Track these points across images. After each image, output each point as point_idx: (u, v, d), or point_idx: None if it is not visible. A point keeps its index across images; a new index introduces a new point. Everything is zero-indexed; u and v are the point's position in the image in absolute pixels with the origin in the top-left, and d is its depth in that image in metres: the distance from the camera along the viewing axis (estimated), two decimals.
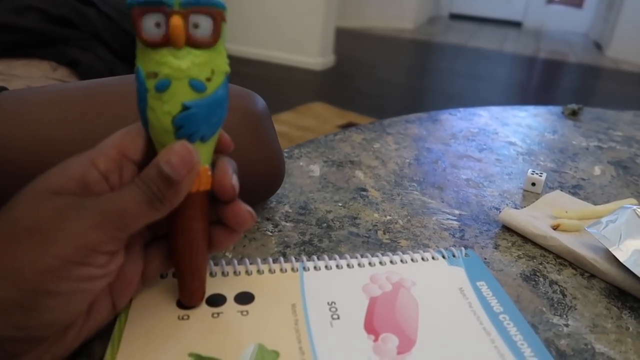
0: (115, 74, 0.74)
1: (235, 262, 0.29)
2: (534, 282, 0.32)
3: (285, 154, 0.48)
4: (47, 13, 0.75)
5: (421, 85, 3.35)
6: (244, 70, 3.19)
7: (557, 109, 0.68)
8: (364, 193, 0.42)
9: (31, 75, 0.68)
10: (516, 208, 0.41)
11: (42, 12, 0.75)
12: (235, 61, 3.29)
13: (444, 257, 0.32)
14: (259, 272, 0.29)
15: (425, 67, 3.96)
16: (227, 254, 0.32)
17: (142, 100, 0.22)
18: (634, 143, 0.58)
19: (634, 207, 0.34)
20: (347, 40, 4.03)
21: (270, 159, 0.37)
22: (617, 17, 4.50)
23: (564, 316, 0.29)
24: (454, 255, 0.32)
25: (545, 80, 3.96)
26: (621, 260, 0.31)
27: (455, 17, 6.16)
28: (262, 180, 0.37)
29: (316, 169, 0.46)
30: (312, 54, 3.21)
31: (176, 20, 0.21)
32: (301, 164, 0.46)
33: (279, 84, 2.92)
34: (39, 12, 0.74)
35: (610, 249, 0.32)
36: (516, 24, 6.02)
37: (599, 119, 0.66)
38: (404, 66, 3.86)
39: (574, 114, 0.66)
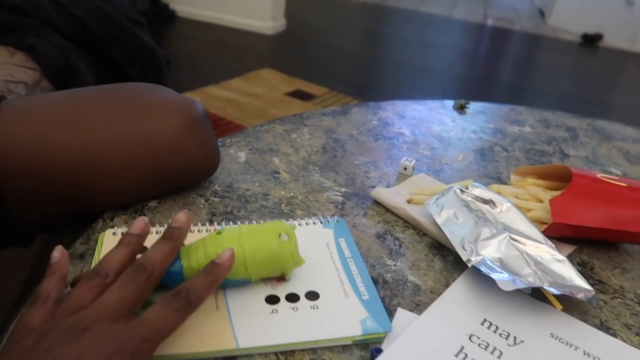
0: (69, 59, 0.84)
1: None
2: (383, 239, 0.47)
3: (220, 143, 0.61)
4: (0, 2, 0.82)
5: (371, 52, 3.48)
6: (194, 33, 3.21)
7: (450, 103, 0.84)
8: (277, 175, 0.56)
9: None
10: (388, 187, 0.56)
11: None
12: (185, 24, 3.35)
13: (321, 222, 0.46)
14: (191, 231, 0.43)
15: (376, 33, 4.08)
16: (169, 220, 0.46)
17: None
18: (499, 134, 0.74)
19: (456, 187, 0.49)
20: (298, 4, 4.08)
21: (208, 155, 0.49)
22: None
23: (395, 260, 0.45)
24: (328, 222, 0.47)
25: (489, 49, 4.16)
26: (439, 223, 0.46)
27: None
28: (202, 170, 0.50)
29: (242, 156, 0.59)
30: (263, 17, 3.27)
31: None
32: (231, 151, 0.60)
33: (229, 48, 2.99)
34: None
35: (433, 216, 0.47)
36: None
37: (482, 112, 0.82)
38: (355, 32, 3.97)
39: (461, 108, 0.82)
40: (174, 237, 0.35)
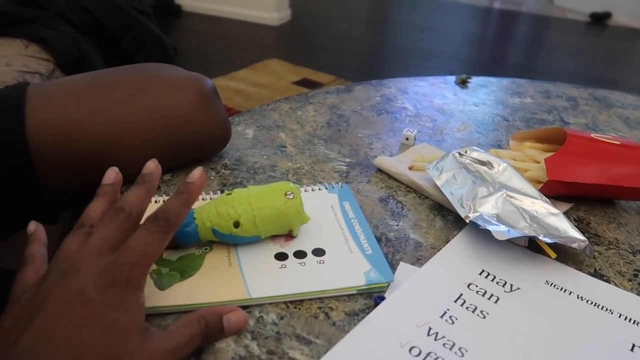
0: (81, 49, 0.87)
1: None
2: (385, 202, 0.50)
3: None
4: None
5: (377, 38, 3.48)
6: (200, 26, 3.24)
7: (452, 79, 0.85)
8: (284, 149, 0.58)
9: (7, 53, 0.80)
10: (391, 156, 0.58)
11: None
12: (191, 18, 3.38)
13: (326, 188, 0.49)
14: (204, 199, 0.45)
15: (382, 20, 4.07)
16: None
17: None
18: (500, 105, 0.76)
19: (454, 152, 0.51)
20: None
21: (220, 126, 0.52)
22: None
23: (397, 220, 0.47)
24: (333, 187, 0.49)
25: (496, 32, 4.13)
26: (439, 185, 0.48)
27: None
28: (214, 142, 0.53)
29: (250, 132, 0.61)
30: (268, 8, 3.29)
31: None
32: (239, 129, 0.62)
33: (236, 40, 3.01)
34: None
35: (433, 179, 0.49)
36: None
37: (483, 86, 0.84)
38: (361, 19, 3.96)
39: (463, 83, 0.83)
40: (187, 192, 0.35)
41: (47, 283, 0.30)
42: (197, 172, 0.36)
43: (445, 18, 4.24)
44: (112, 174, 0.38)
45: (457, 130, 0.67)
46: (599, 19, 4.49)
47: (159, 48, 1.02)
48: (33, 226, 0.38)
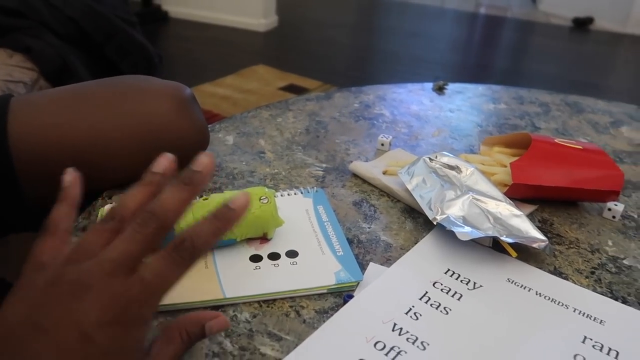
0: (65, 58, 0.89)
1: None
2: (359, 205, 0.52)
3: (210, 128, 0.65)
4: None
5: (363, 44, 3.51)
6: (187, 33, 3.25)
7: (430, 85, 0.88)
8: (262, 155, 0.60)
9: None
10: (366, 161, 0.60)
11: None
12: (179, 24, 3.39)
13: (301, 193, 0.51)
14: None
15: (368, 26, 4.11)
16: None
17: None
18: (474, 111, 0.78)
19: (425, 157, 0.53)
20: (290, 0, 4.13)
21: (198, 132, 0.54)
22: None
23: (370, 223, 0.49)
24: (308, 192, 0.51)
25: (482, 37, 4.19)
26: (409, 189, 0.50)
27: None
28: (193, 147, 0.54)
29: (230, 139, 0.63)
30: (255, 15, 3.31)
31: None
32: (220, 135, 0.64)
33: (223, 47, 3.03)
34: None
35: (405, 183, 0.51)
36: None
37: (460, 92, 0.86)
38: (348, 25, 4.00)
39: (440, 89, 0.86)
40: (193, 182, 0.30)
41: (54, 292, 0.28)
42: (205, 159, 0.30)
43: (432, 24, 4.29)
44: (165, 162, 0.32)
45: (432, 135, 0.69)
46: (582, 24, 4.57)
47: (143, 56, 1.04)
48: (69, 177, 0.34)
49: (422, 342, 0.35)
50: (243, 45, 3.09)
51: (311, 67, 2.73)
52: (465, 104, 0.81)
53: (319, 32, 3.58)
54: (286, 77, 2.47)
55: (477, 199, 0.47)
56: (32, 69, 0.83)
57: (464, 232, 0.43)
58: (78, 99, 0.49)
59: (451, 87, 0.88)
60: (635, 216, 0.54)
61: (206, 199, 0.42)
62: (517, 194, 0.52)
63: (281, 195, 0.50)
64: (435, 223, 0.46)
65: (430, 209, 0.47)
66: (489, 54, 3.66)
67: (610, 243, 0.49)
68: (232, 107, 2.06)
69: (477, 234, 0.43)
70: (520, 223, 0.46)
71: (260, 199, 0.42)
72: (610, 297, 0.42)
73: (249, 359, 0.34)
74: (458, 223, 0.45)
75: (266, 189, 0.43)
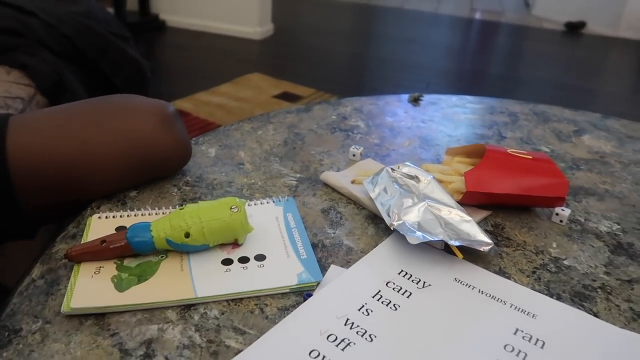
0: (60, 74, 0.94)
1: (149, 208, 0.52)
2: (327, 213, 0.56)
3: (193, 142, 0.70)
4: None
5: (357, 51, 3.57)
6: (184, 41, 3.32)
7: (406, 97, 0.92)
8: (241, 166, 0.65)
9: None
10: (338, 171, 0.65)
11: None
12: (176, 33, 3.46)
13: (273, 202, 0.55)
14: (164, 213, 0.52)
15: (362, 33, 4.17)
16: (147, 206, 0.55)
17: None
18: (445, 121, 0.83)
19: (388, 167, 0.58)
20: (286, 7, 4.19)
21: (181, 146, 0.58)
22: None
23: (335, 229, 0.54)
24: (279, 201, 0.56)
25: (474, 42, 4.24)
26: (372, 197, 0.55)
27: None
28: (176, 161, 0.59)
29: (212, 151, 0.68)
30: (251, 23, 3.38)
31: None
32: (203, 148, 0.69)
33: (219, 55, 3.09)
34: None
35: (369, 191, 0.56)
36: None
37: (434, 103, 0.91)
38: (344, 32, 4.06)
39: (415, 101, 0.91)
40: None
41: None
42: None
43: (425, 30, 4.35)
44: None
45: (402, 146, 0.74)
46: (574, 28, 4.63)
47: (136, 70, 1.09)
48: None
49: (370, 335, 0.40)
50: (239, 54, 3.15)
51: (306, 75, 2.78)
52: (438, 115, 0.86)
53: (315, 40, 3.64)
54: (280, 85, 2.53)
55: (432, 206, 0.52)
56: (29, 85, 0.88)
57: (414, 236, 0.47)
58: (70, 118, 0.54)
59: (426, 98, 0.92)
60: (582, 220, 0.59)
61: (182, 208, 0.46)
62: (472, 200, 0.56)
63: (254, 204, 0.55)
64: (392, 228, 0.50)
65: (389, 216, 0.52)
66: (481, 59, 3.71)
67: (554, 245, 0.54)
68: (226, 115, 2.11)
69: (427, 238, 0.47)
70: (469, 228, 0.50)
71: (231, 208, 0.46)
72: (547, 294, 0.46)
73: (215, 350, 0.38)
74: (412, 228, 0.49)
75: (237, 199, 0.48)
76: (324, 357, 0.38)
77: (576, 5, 4.66)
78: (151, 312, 0.41)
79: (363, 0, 5.20)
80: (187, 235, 0.45)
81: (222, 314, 0.42)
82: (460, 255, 0.48)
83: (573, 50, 4.16)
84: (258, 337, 0.39)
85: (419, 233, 0.48)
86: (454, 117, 0.85)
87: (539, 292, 0.46)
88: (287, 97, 2.42)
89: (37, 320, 0.40)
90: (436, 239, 0.48)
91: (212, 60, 2.97)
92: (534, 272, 0.49)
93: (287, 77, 2.66)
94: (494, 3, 5.62)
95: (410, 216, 0.51)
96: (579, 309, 0.45)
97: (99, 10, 1.07)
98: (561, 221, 0.57)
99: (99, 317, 0.40)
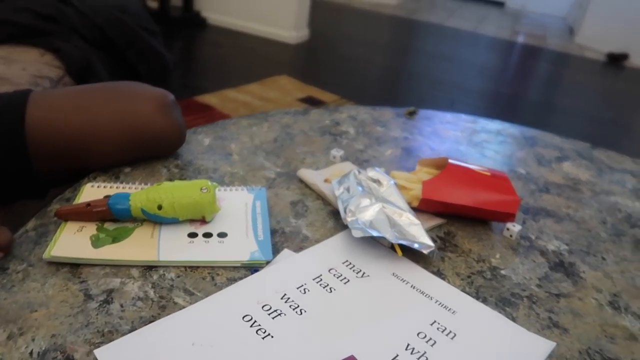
0: (89, 59, 1.03)
1: (137, 183, 0.59)
2: (295, 205, 0.62)
3: (192, 131, 0.77)
4: (37, 12, 1.02)
5: (387, 63, 3.62)
6: (222, 39, 3.43)
7: (402, 110, 0.97)
8: (229, 156, 0.71)
9: (25, 60, 0.96)
10: (316, 170, 0.70)
11: (33, 11, 1.02)
12: (215, 31, 3.59)
13: (247, 190, 0.62)
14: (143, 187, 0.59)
15: (396, 46, 4.21)
16: (136, 182, 0.62)
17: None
18: (432, 136, 0.88)
19: (355, 170, 0.63)
20: (324, 14, 4.27)
21: (175, 130, 0.66)
22: (589, 1, 4.74)
23: (298, 219, 0.59)
24: (252, 189, 0.62)
25: (509, 65, 4.21)
26: (336, 195, 0.61)
27: None
28: (169, 143, 0.67)
29: (207, 141, 0.75)
30: (287, 27, 3.46)
31: None
32: (199, 137, 0.76)
33: (252, 55, 3.19)
34: (31, 12, 1.02)
35: (334, 190, 0.61)
36: (499, 4, 6.32)
37: (427, 119, 0.96)
38: (376, 44, 4.11)
39: (411, 115, 0.96)
40: None
41: None
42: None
43: (460, 48, 4.35)
44: None
45: (384, 154, 0.79)
46: (616, 60, 4.54)
47: (159, 62, 1.18)
48: None
49: (301, 309, 0.45)
50: (271, 55, 3.25)
51: (334, 82, 2.85)
52: (428, 129, 0.90)
53: (348, 49, 3.70)
54: (307, 89, 2.60)
55: (386, 208, 0.57)
56: (59, 67, 0.97)
57: (358, 229, 0.53)
58: (82, 97, 0.62)
59: (421, 113, 0.97)
60: (533, 237, 0.62)
61: (160, 184, 0.53)
62: (429, 207, 0.61)
63: (230, 190, 0.61)
64: (345, 223, 0.56)
65: (345, 213, 0.57)
66: (517, 83, 3.69)
67: (497, 256, 0.58)
68: (248, 114, 2.19)
69: (369, 232, 0.52)
70: (415, 230, 0.55)
71: (201, 189, 0.53)
72: (474, 297, 0.51)
73: (164, 305, 0.44)
74: (364, 227, 0.55)
75: (209, 182, 0.54)
76: (255, 321, 0.43)
77: (620, 36, 4.58)
78: (118, 268, 0.48)
79: (404, 14, 5.24)
80: (160, 207, 0.51)
81: (178, 277, 0.48)
82: (400, 253, 0.53)
83: (613, 83, 4.08)
84: (202, 299, 0.45)
85: (365, 228, 0.53)
86: (442, 133, 0.90)
87: (468, 294, 0.51)
88: (311, 101, 2.49)
89: (22, 262, 0.47)
90: (378, 234, 0.53)
91: (245, 60, 3.08)
92: (469, 277, 0.54)
93: (315, 83, 2.73)
94: (538, 27, 5.57)
95: (364, 214, 0.57)
96: (499, 312, 0.49)
97: (132, 3, 1.17)
98: (511, 236, 0.61)
99: (73, 267, 0.47)
